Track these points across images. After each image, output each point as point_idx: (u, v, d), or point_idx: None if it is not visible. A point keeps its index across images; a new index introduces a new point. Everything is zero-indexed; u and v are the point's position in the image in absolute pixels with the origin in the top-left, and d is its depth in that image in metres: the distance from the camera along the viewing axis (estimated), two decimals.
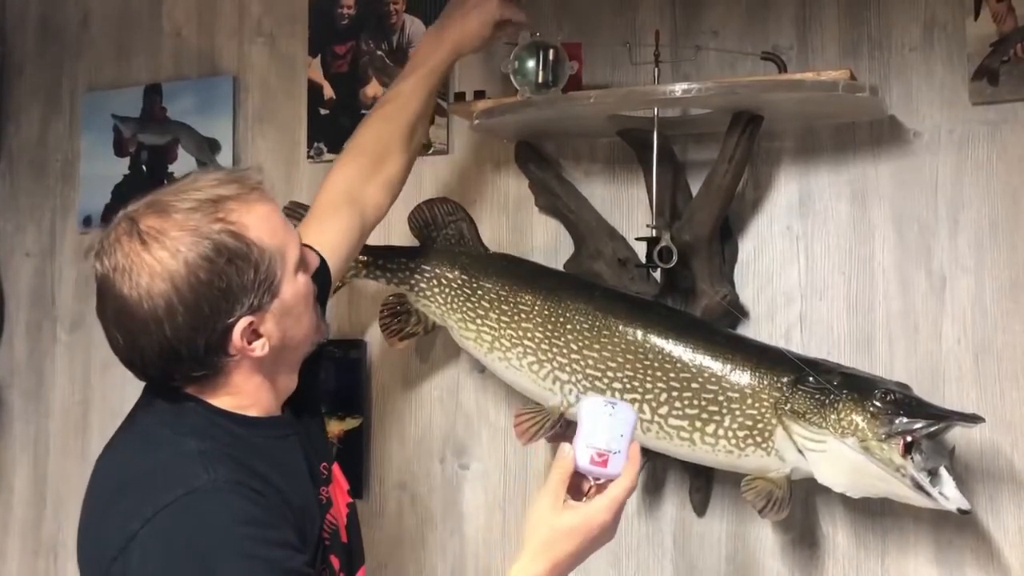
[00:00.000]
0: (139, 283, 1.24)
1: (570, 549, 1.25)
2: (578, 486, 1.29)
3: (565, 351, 1.75)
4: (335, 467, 1.49)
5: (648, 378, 1.69)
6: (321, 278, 1.54)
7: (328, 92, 2.13)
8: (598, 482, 1.28)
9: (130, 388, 1.38)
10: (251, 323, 1.29)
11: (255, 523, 1.20)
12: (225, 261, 1.26)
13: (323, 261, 1.58)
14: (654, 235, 1.71)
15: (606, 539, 1.28)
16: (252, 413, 1.34)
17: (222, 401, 1.32)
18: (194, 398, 1.32)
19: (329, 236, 1.61)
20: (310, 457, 1.41)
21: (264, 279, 1.29)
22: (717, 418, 1.65)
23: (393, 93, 1.78)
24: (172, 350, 1.26)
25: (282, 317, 1.32)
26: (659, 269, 1.74)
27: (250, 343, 1.30)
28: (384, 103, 1.78)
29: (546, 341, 1.77)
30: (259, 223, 1.30)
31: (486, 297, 1.83)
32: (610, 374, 1.72)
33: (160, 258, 1.24)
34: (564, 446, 1.28)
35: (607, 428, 1.27)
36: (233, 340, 1.28)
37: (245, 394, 1.33)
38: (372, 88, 2.10)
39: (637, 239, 1.78)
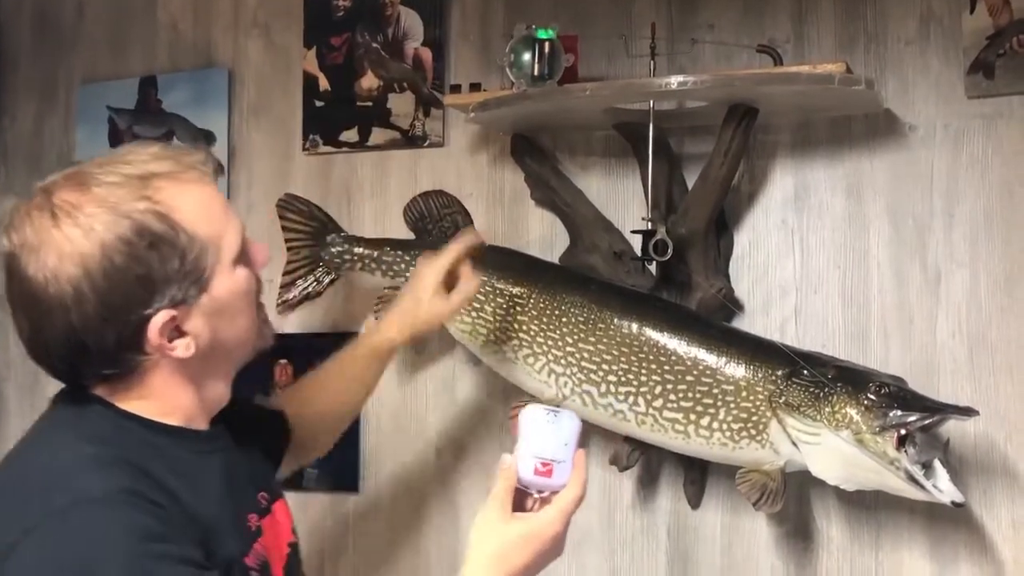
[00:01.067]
0: (46, 263, 1.11)
1: (522, 561, 1.15)
2: (520, 502, 1.20)
3: (560, 344, 1.75)
4: (280, 504, 1.36)
5: (643, 371, 1.69)
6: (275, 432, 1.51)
7: (323, 84, 2.13)
8: (542, 495, 1.20)
9: None
10: (173, 318, 1.15)
11: (152, 537, 1.07)
12: (146, 245, 1.12)
13: (279, 422, 1.53)
14: (649, 228, 1.71)
15: (556, 553, 1.19)
16: (170, 422, 1.21)
17: (135, 406, 1.19)
18: (103, 401, 1.19)
19: None
20: (238, 480, 1.27)
21: (192, 269, 1.15)
22: (712, 411, 1.65)
23: (332, 367, 1.66)
24: (79, 342, 1.13)
25: (212, 315, 1.18)
26: (654, 262, 1.74)
27: (171, 341, 1.16)
28: (322, 368, 1.66)
29: (541, 334, 1.77)
30: (192, 206, 1.16)
31: (481, 290, 1.83)
32: (605, 367, 1.72)
33: (71, 236, 1.11)
34: (505, 457, 1.20)
35: (551, 437, 1.20)
36: (149, 336, 1.14)
37: (163, 400, 1.20)
38: (367, 80, 2.10)
39: (633, 232, 1.79)
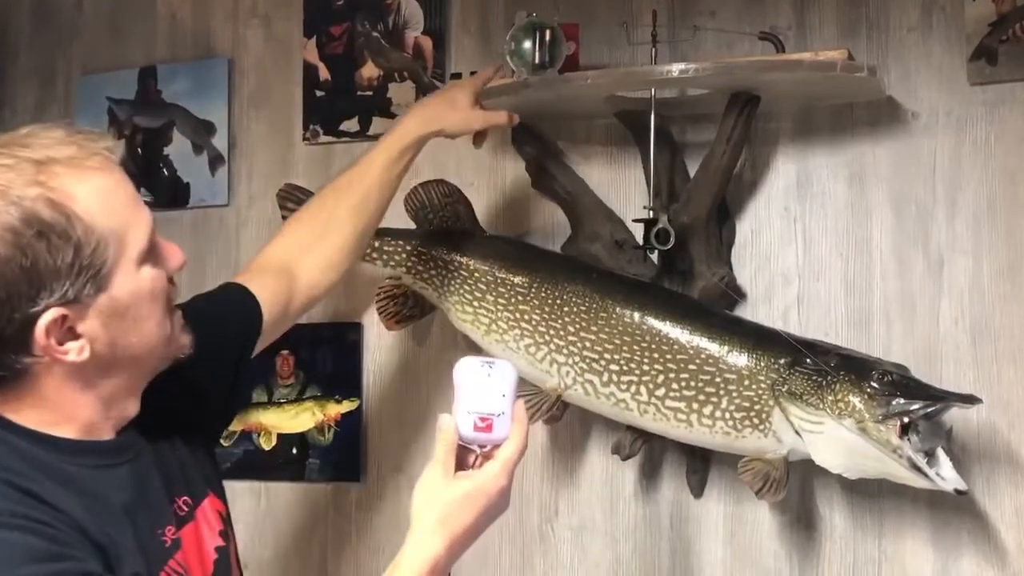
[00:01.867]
0: None
1: (467, 521, 1.12)
2: (462, 460, 1.17)
3: (562, 333, 1.75)
4: (206, 505, 1.27)
5: (645, 360, 1.69)
6: (243, 324, 1.42)
7: (324, 74, 2.12)
8: (484, 450, 1.17)
9: None
10: (63, 317, 1.06)
11: (42, 558, 1.00)
12: (34, 234, 1.03)
13: (254, 303, 1.44)
14: (651, 217, 1.70)
15: (503, 507, 1.16)
16: (64, 434, 1.12)
17: (26, 416, 1.10)
18: None
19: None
20: (150, 491, 1.18)
21: (88, 264, 1.06)
22: (714, 400, 1.65)
23: (353, 169, 1.65)
24: None
25: (111, 317, 1.09)
26: (656, 251, 1.74)
27: (61, 343, 1.07)
28: (341, 174, 1.67)
29: (543, 323, 1.77)
30: (93, 195, 1.07)
31: (483, 279, 1.83)
32: (607, 356, 1.71)
33: None
34: (443, 417, 1.17)
35: (487, 390, 1.16)
36: (36, 336, 1.05)
37: (55, 408, 1.11)
38: (368, 70, 2.09)
39: (634, 221, 1.78)
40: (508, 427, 1.17)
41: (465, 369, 1.18)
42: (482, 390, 1.17)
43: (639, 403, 1.70)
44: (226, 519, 1.32)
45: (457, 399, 1.18)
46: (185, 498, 1.24)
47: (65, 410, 1.12)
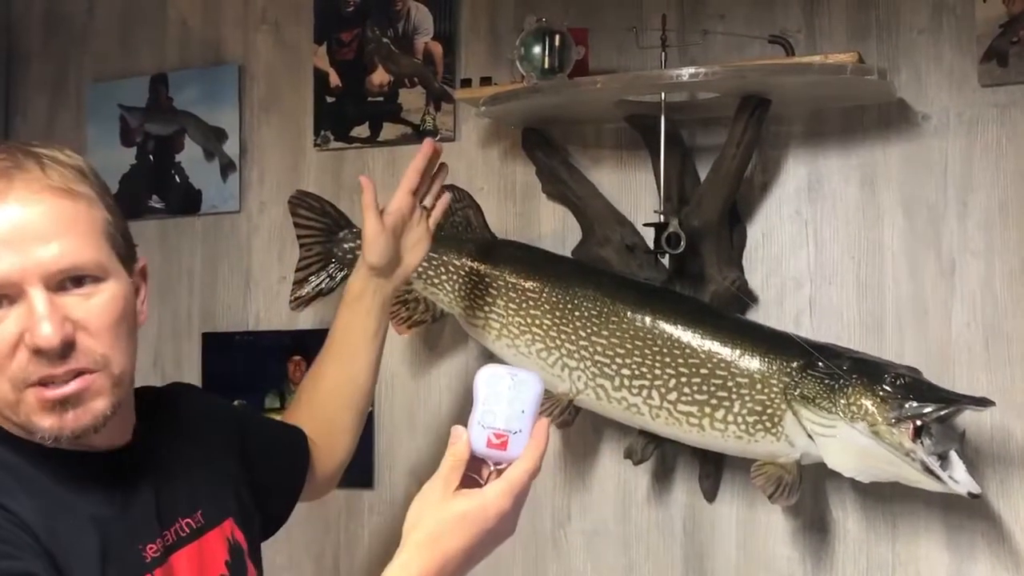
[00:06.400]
0: None
1: (461, 543, 1.06)
2: (475, 472, 1.11)
3: (573, 338, 1.75)
4: (219, 531, 1.27)
5: (657, 364, 1.69)
6: (297, 459, 1.53)
7: (334, 80, 2.13)
8: (499, 467, 1.09)
9: None
10: None
11: None
12: None
13: (301, 437, 1.53)
14: (662, 221, 1.70)
15: (507, 532, 1.09)
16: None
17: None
18: None
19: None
20: (139, 507, 1.18)
21: None
22: (726, 404, 1.65)
23: (334, 360, 1.60)
24: None
25: None
26: (667, 255, 1.73)
27: None
28: (320, 374, 1.60)
29: (554, 328, 1.77)
30: None
31: (494, 284, 1.83)
32: (619, 360, 1.71)
33: None
34: (457, 429, 1.10)
35: (506, 404, 1.08)
36: None
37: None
38: (378, 75, 2.10)
39: (645, 225, 1.78)
40: (523, 447, 1.09)
41: (485, 378, 1.10)
42: (501, 404, 1.09)
43: (651, 407, 1.69)
44: (240, 550, 1.30)
45: (474, 410, 1.10)
46: (188, 520, 1.24)
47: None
